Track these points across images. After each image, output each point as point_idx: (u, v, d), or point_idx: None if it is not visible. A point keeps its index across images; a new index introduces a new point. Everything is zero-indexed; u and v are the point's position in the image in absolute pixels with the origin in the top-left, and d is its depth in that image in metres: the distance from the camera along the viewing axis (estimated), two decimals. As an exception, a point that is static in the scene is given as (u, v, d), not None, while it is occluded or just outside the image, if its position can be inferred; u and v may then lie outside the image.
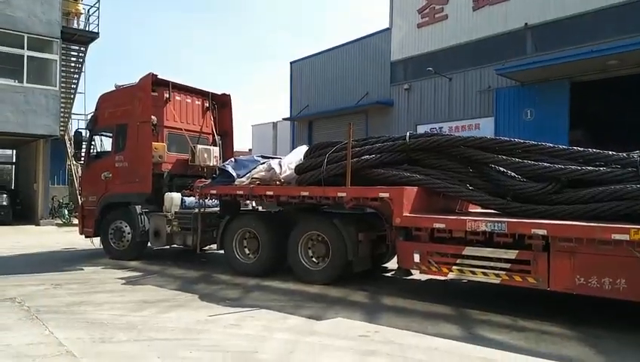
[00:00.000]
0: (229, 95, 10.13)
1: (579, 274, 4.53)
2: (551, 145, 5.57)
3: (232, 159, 7.85)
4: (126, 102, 9.05)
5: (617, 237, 4.27)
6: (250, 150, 29.88)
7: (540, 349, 4.08)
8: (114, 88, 9.55)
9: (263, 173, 7.10)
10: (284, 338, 4.38)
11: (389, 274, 7.26)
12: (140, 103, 8.82)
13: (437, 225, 5.38)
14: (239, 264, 7.32)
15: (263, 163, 7.34)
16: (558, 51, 15.05)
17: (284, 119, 27.13)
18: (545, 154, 5.55)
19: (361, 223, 6.52)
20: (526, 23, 16.13)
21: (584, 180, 5.17)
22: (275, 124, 30.60)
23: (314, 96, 25.11)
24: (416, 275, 6.26)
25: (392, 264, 6.96)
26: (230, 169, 7.32)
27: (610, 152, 5.25)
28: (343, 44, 23.95)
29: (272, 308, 5.36)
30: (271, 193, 6.86)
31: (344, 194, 6.09)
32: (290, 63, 26.87)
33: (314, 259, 6.65)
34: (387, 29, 21.55)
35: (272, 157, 7.75)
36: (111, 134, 9.40)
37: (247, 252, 7.32)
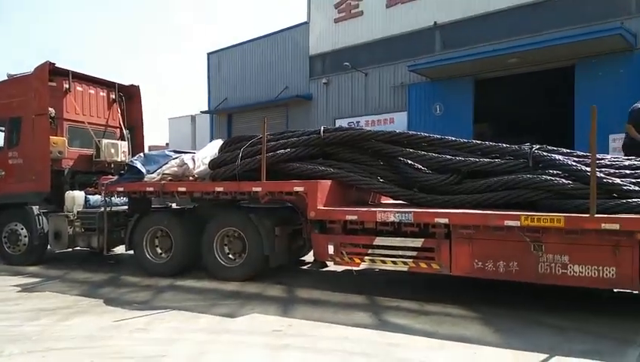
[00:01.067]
0: (138, 86, 9.61)
1: (477, 258, 4.88)
2: (453, 138, 5.91)
3: (141, 154, 7.46)
4: (20, 93, 8.25)
5: (509, 223, 4.64)
6: (167, 144, 28.66)
7: (441, 331, 4.34)
8: (6, 78, 8.67)
9: (175, 169, 6.83)
10: (196, 339, 4.26)
11: (306, 267, 7.33)
12: (36, 94, 8.09)
13: (349, 217, 5.51)
14: (151, 264, 7.00)
15: (175, 158, 7.06)
16: (464, 49, 16.04)
17: (203, 112, 26.34)
18: (447, 147, 5.88)
19: (278, 217, 6.51)
20: (435, 22, 17.00)
21: (482, 171, 5.54)
22: (193, 118, 29.59)
23: (233, 89, 24.62)
24: (334, 267, 6.38)
25: (310, 257, 7.03)
26: (139, 164, 6.95)
27: (505, 145, 5.67)
28: (262, 37, 23.70)
29: (184, 309, 5.19)
30: (183, 189, 6.63)
31: (259, 189, 6.04)
32: (208, 54, 26.10)
33: (230, 256, 6.54)
34: (305, 22, 21.65)
35: (185, 152, 7.48)
36: (3, 128, 8.53)
37: (159, 251, 7.02)
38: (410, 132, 6.32)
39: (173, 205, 7.97)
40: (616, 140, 13.56)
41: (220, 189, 6.29)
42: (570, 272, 4.50)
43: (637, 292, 4.52)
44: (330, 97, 20.76)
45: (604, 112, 13.92)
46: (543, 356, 3.70)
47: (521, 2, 15.37)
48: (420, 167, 5.98)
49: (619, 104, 13.21)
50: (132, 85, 9.58)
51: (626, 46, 13.20)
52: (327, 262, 6.02)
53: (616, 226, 4.22)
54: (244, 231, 6.33)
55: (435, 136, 6.03)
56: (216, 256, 6.50)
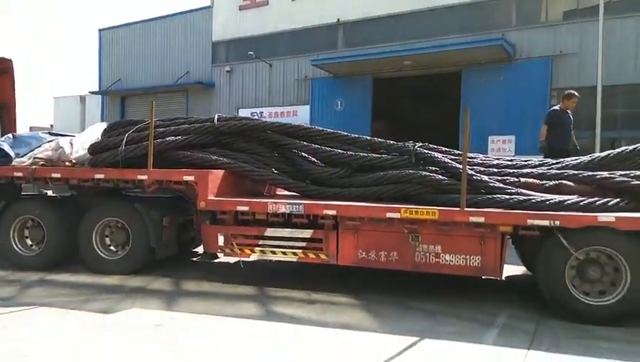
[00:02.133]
0: (10, 60, 8.53)
1: (361, 249, 5.10)
2: (345, 133, 6.09)
3: (10, 135, 6.68)
4: None
5: (391, 215, 4.92)
6: (51, 126, 26.07)
7: (324, 319, 4.48)
8: None
9: (49, 153, 6.20)
10: (65, 337, 3.93)
11: (196, 259, 7.11)
12: None
13: (241, 208, 5.45)
14: (19, 257, 6.32)
15: (50, 141, 6.42)
16: (364, 48, 16.63)
17: (92, 93, 24.34)
18: (340, 141, 6.05)
19: (167, 207, 6.23)
20: (338, 19, 17.40)
21: (370, 166, 5.79)
22: (82, 98, 27.22)
23: (128, 70, 23.06)
24: (226, 258, 6.28)
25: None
26: (6, 147, 6.22)
27: (392, 142, 5.97)
28: (163, 17, 22.47)
29: (54, 305, 4.76)
30: (58, 175, 6.05)
31: (145, 177, 5.71)
32: (99, 30, 24.12)
33: (112, 248, 6.13)
34: (209, 6, 20.92)
35: (63, 135, 6.83)
36: None
37: (29, 243, 6.35)
38: (305, 125, 6.40)
39: (49, 192, 7.25)
40: (495, 141, 15.04)
41: (101, 176, 5.85)
42: (443, 261, 4.89)
43: (498, 278, 5.02)
44: (233, 86, 20.34)
45: (485, 116, 15.38)
46: (414, 339, 3.97)
47: (417, 8, 16.28)
48: (313, 159, 6.08)
49: (499, 109, 14.70)
50: (2, 58, 8.51)
51: (506, 56, 14.61)
52: (218, 254, 5.91)
53: (482, 219, 4.65)
54: (128, 222, 5.96)
55: (328, 130, 6.18)
56: (96, 248, 6.05)
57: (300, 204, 5.22)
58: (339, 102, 17.16)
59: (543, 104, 13.54)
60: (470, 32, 15.26)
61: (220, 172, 5.80)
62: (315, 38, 18.05)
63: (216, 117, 6.23)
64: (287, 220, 5.33)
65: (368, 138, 6.09)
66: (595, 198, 4.67)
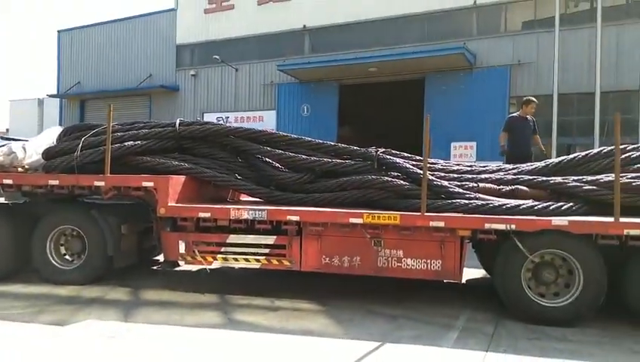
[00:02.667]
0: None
1: (325, 254, 5.10)
2: (309, 139, 6.10)
3: (-43, 139, 6.35)
4: None
5: (353, 220, 4.94)
6: (7, 130, 25.01)
7: (287, 326, 4.44)
8: None
9: (0, 158, 5.92)
10: (17, 351, 3.74)
11: (157, 268, 6.94)
12: None
13: (202, 215, 5.35)
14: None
15: (2, 145, 6.13)
16: (330, 54, 16.74)
17: (50, 96, 23.48)
18: (304, 147, 6.04)
19: (126, 214, 6.05)
20: (304, 25, 17.46)
21: (334, 171, 5.80)
22: (41, 101, 26.26)
23: (88, 73, 22.38)
24: (189, 267, 6.15)
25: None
26: (-47, 152, 5.89)
27: (355, 147, 6.01)
28: (124, 19, 21.96)
29: (6, 318, 4.53)
30: (10, 181, 5.79)
31: (102, 184, 5.54)
32: (58, 32, 23.34)
33: (67, 257, 5.90)
34: (173, 9, 20.59)
35: (16, 139, 6.55)
36: None
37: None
38: (269, 130, 6.39)
39: (1, 199, 6.92)
40: (457, 147, 15.38)
41: (55, 182, 5.63)
42: (405, 265, 4.95)
43: (458, 282, 5.12)
44: (198, 90, 20.05)
45: (448, 123, 15.71)
46: (376, 344, 3.99)
47: (382, 16, 16.52)
48: (277, 165, 6.05)
49: (461, 116, 15.05)
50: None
51: (467, 64, 15.00)
52: (179, 262, 5.78)
53: (442, 224, 4.74)
54: (84, 230, 5.75)
55: (292, 135, 6.17)
56: (50, 257, 5.81)
57: (264, 209, 5.18)
58: (305, 108, 17.20)
59: (502, 111, 13.95)
60: (433, 41, 15.60)
61: (181, 178, 5.68)
62: (281, 44, 18.05)
63: (177, 121, 6.12)
64: (250, 226, 5.27)
65: (332, 143, 6.12)
66: (550, 203, 4.83)
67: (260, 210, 5.18)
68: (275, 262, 5.24)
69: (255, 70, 18.64)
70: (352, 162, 5.79)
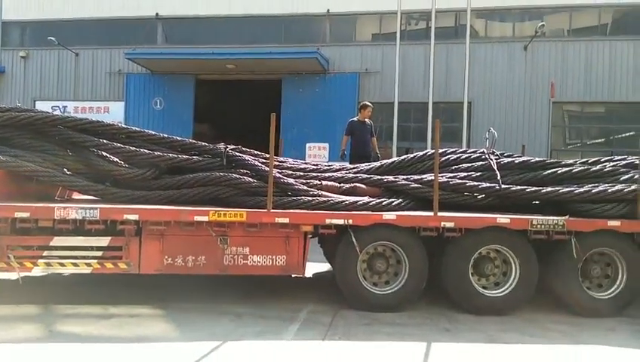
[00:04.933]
0: None
1: (167, 255, 4.84)
2: (153, 132, 5.73)
3: None
4: None
5: (199, 218, 4.78)
6: None
7: (121, 333, 4.12)
8: None
9: None
10: None
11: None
12: None
13: (19, 214, 4.66)
14: None
15: None
16: (186, 47, 16.06)
17: None
18: (147, 141, 5.65)
19: None
20: (157, 13, 16.45)
21: (180, 167, 5.55)
22: None
23: None
24: (7, 275, 5.30)
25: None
26: None
27: (203, 143, 5.83)
28: None
29: None
30: None
31: None
32: None
33: None
34: (-3, -22, 17.70)
35: None
36: None
37: None
38: (106, 121, 5.82)
39: None
40: (312, 148, 15.97)
41: None
42: (251, 262, 4.94)
43: (303, 275, 5.28)
44: (29, 74, 17.51)
45: (303, 124, 16.17)
46: (216, 343, 3.91)
47: (241, 13, 16.38)
48: (115, 159, 5.57)
49: (315, 117, 15.66)
50: None
51: (321, 69, 15.66)
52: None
53: (287, 220, 4.85)
54: None
55: (133, 128, 5.77)
56: None
57: (95, 208, 4.71)
58: (158, 101, 16.20)
59: (352, 115, 14.74)
60: (290, 43, 15.98)
61: (-6, 172, 4.89)
62: (131, 30, 16.70)
63: (-10, 107, 5.26)
64: (79, 227, 4.75)
65: (179, 138, 5.83)
66: (383, 199, 5.28)
67: (91, 208, 4.70)
68: (109, 265, 4.81)
69: (100, 56, 16.95)
70: (200, 158, 5.61)
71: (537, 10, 14.88)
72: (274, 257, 4.97)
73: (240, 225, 4.87)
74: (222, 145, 5.69)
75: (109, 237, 4.78)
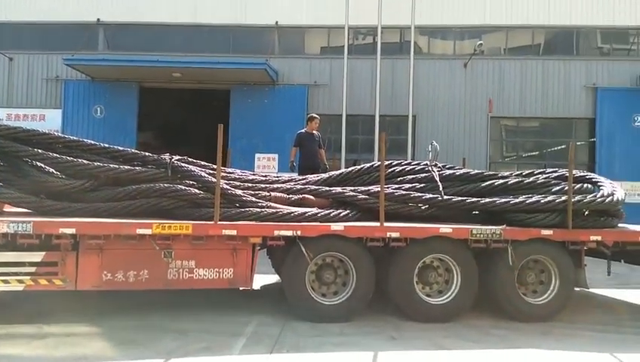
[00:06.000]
0: None
1: (106, 270, 4.63)
2: (92, 142, 5.50)
3: None
4: None
5: (141, 231, 4.62)
6: None
7: (56, 354, 3.89)
8: None
9: None
10: None
11: None
12: None
13: (-59, 230, 4.31)
14: None
15: None
16: (130, 54, 15.56)
17: None
18: (86, 151, 5.42)
19: None
20: (98, 19, 15.87)
21: (122, 179, 5.35)
22: None
23: None
24: None
25: None
26: None
27: (147, 153, 5.65)
28: None
29: None
30: None
31: None
32: None
33: None
34: None
35: None
36: None
37: None
38: (42, 130, 5.52)
39: None
40: (261, 159, 15.88)
41: None
42: (196, 276, 4.82)
43: (251, 288, 5.21)
44: (-45, 78, 16.31)
45: (253, 134, 16.07)
46: (160, 361, 3.77)
47: (188, 22, 16.11)
48: (51, 170, 5.28)
49: (264, 128, 15.60)
50: None
51: (270, 80, 15.65)
52: None
53: (234, 232, 4.78)
54: None
55: (71, 137, 5.51)
56: None
57: (28, 221, 4.44)
58: (98, 109, 15.53)
59: (301, 126, 14.85)
60: (238, 53, 15.87)
61: None
62: (70, 36, 15.95)
63: None
64: (11, 242, 4.45)
65: (120, 148, 5.64)
66: (331, 210, 5.33)
67: (23, 221, 4.42)
68: (43, 282, 4.52)
69: (36, 62, 16.05)
70: (144, 169, 5.43)
71: (476, 30, 15.67)
72: (221, 270, 4.88)
73: (185, 238, 4.75)
74: (167, 156, 5.55)
75: (44, 253, 4.51)
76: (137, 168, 5.42)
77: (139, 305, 5.30)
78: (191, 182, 5.32)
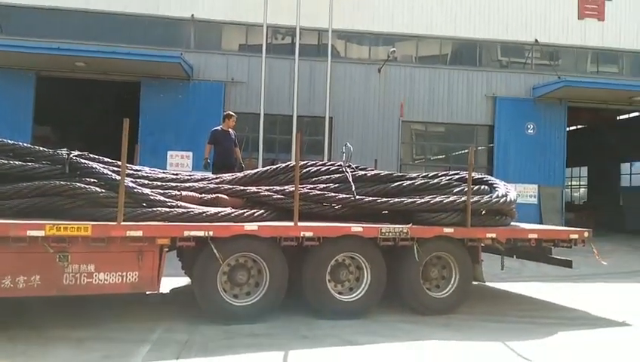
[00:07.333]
0: None
1: (-9, 276, 4.16)
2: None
3: None
4: None
5: (32, 233, 4.21)
6: None
7: None
8: None
9: None
10: None
11: None
12: None
13: None
14: None
15: None
16: (25, 40, 14.20)
17: None
18: (-33, 144, 4.84)
19: None
20: (-8, -1, 14.31)
21: (11, 175, 4.84)
22: None
23: None
24: None
25: None
26: None
27: (41, 148, 5.17)
28: None
29: None
30: None
31: None
32: None
33: None
34: None
35: None
36: None
37: None
38: None
39: None
40: (174, 156, 15.26)
41: None
42: (96, 281, 4.48)
43: (157, 292, 4.96)
44: None
45: (165, 131, 15.40)
46: (51, 374, 3.46)
47: (95, 9, 15.07)
48: None
49: (178, 125, 15.00)
50: None
51: (184, 75, 15.08)
52: None
53: (140, 233, 4.52)
54: None
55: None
56: None
57: None
58: (-12, 98, 14.01)
59: (217, 123, 14.52)
60: (150, 45, 15.12)
61: None
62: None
63: None
64: None
65: (10, 142, 5.09)
66: (245, 210, 5.24)
67: None
68: None
69: None
70: (37, 165, 4.96)
71: (389, 37, 16.33)
72: (124, 274, 4.58)
73: (84, 240, 4.40)
74: (64, 151, 5.11)
75: None
76: (30, 164, 4.94)
77: (34, 314, 4.83)
78: (92, 180, 4.95)
